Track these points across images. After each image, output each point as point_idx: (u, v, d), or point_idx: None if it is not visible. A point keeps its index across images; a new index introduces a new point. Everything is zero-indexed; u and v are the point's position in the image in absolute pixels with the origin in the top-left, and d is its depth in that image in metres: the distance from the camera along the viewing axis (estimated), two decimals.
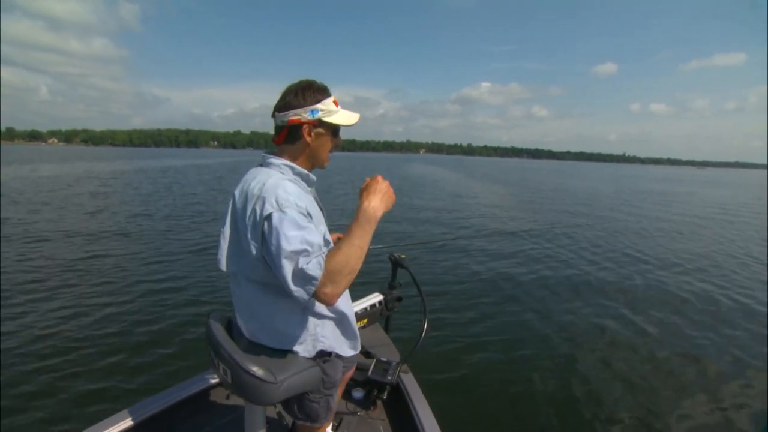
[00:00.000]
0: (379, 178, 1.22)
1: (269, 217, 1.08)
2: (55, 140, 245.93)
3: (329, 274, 1.03)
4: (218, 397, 2.01)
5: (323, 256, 1.05)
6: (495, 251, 7.63)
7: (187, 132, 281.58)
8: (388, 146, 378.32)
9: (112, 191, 14.86)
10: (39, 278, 5.18)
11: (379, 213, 1.16)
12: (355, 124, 1.30)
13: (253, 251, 1.13)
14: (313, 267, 1.02)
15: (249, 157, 73.24)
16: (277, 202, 1.09)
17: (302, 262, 1.02)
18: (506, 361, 3.71)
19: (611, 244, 8.56)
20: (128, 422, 1.65)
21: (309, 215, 1.13)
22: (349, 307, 1.37)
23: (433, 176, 31.92)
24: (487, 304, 5.00)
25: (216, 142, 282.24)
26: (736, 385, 3.38)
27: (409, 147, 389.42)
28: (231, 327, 1.37)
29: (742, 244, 9.33)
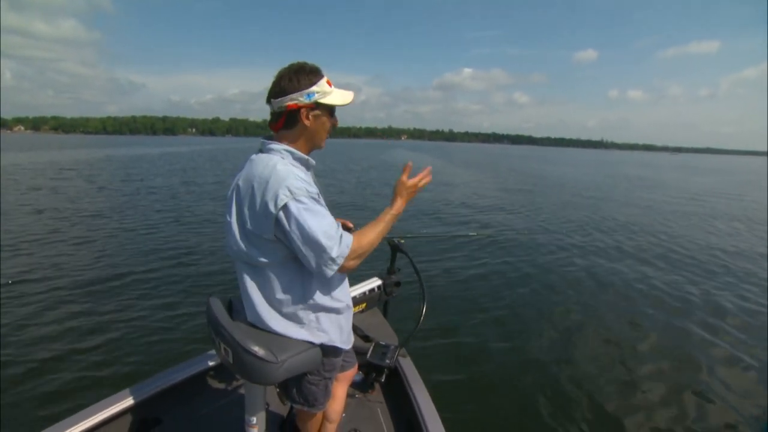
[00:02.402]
0: (412, 182, 1.34)
1: (285, 206, 1.11)
2: (22, 128, 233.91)
3: (355, 252, 1.19)
4: (217, 378, 2.04)
5: (345, 238, 1.18)
6: (493, 238, 7.57)
7: (164, 119, 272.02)
8: (370, 132, 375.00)
9: (97, 176, 14.18)
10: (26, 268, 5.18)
11: (402, 210, 1.33)
12: (351, 102, 1.30)
13: (267, 235, 1.16)
14: (342, 252, 1.16)
15: (229, 144, 71.60)
16: (290, 191, 1.11)
17: (330, 250, 1.13)
18: (503, 345, 3.74)
19: (612, 231, 8.53)
20: (127, 403, 1.67)
21: (320, 198, 1.19)
22: (349, 300, 1.39)
23: (418, 163, 31.53)
24: (485, 290, 5.02)
25: (194, 130, 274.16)
26: (736, 384, 3.32)
27: (390, 133, 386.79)
28: (231, 308, 1.38)
29: (743, 238, 9.25)
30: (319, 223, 1.13)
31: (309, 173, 1.30)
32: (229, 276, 5.01)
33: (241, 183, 1.21)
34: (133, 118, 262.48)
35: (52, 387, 2.86)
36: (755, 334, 4.22)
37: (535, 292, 5.06)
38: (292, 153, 1.24)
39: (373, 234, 1.25)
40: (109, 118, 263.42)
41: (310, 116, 1.23)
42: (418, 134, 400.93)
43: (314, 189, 1.18)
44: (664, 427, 2.81)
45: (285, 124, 1.25)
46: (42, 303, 4.14)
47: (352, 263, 1.20)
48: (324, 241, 1.12)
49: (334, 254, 1.14)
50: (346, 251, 1.17)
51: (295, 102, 1.20)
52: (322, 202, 1.22)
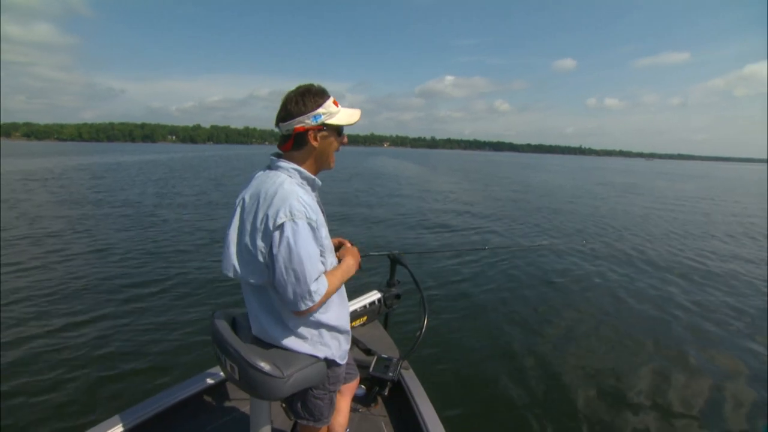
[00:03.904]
0: (352, 251, 1.44)
1: (282, 226, 1.12)
2: None
3: (327, 294, 1.23)
4: (221, 395, 2.05)
5: (322, 278, 1.20)
6: (492, 249, 7.40)
7: (143, 126, 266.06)
8: (352, 140, 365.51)
9: (67, 187, 13.18)
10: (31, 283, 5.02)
11: (352, 271, 1.39)
12: (358, 121, 1.32)
13: (260, 256, 1.17)
14: (321, 289, 1.18)
15: (210, 152, 70.11)
16: (290, 212, 1.12)
17: (311, 282, 1.15)
18: (506, 356, 3.73)
19: (613, 240, 8.24)
20: (131, 422, 1.68)
21: (317, 226, 1.20)
22: (348, 319, 1.42)
23: (404, 172, 31.15)
24: (484, 302, 4.97)
25: (174, 137, 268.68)
26: (736, 384, 3.32)
27: (373, 140, 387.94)
28: (235, 325, 1.39)
29: (741, 235, 9.26)
30: (309, 252, 1.14)
31: (314, 194, 1.31)
32: (225, 292, 4.94)
33: (247, 198, 1.23)
34: (111, 125, 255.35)
35: (52, 411, 2.74)
36: (755, 335, 4.19)
37: (536, 302, 5.04)
38: (300, 172, 1.26)
39: (337, 281, 1.29)
40: (85, 124, 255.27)
41: (318, 137, 1.25)
42: (400, 141, 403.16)
43: (315, 215, 1.19)
44: (665, 427, 2.80)
45: (294, 145, 1.26)
46: (34, 325, 3.92)
47: (319, 303, 1.20)
48: (308, 271, 1.13)
49: (313, 288, 1.15)
50: (323, 290, 1.19)
51: (303, 125, 1.22)
52: (322, 229, 1.24)
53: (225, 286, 5.09)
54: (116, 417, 1.67)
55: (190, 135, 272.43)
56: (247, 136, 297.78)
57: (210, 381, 1.98)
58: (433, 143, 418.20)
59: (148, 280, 5.27)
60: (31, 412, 2.72)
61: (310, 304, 1.16)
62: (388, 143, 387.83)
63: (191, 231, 8.22)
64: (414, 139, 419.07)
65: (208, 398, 2.00)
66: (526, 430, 2.81)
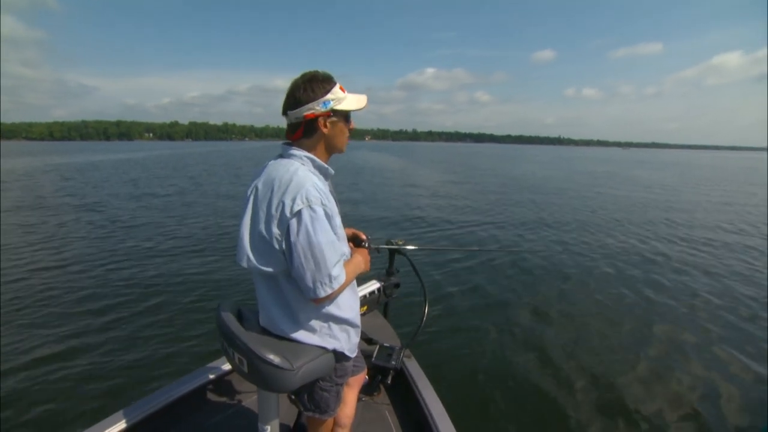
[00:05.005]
0: (362, 251, 1.42)
1: (299, 213, 1.11)
2: None
3: (345, 283, 1.23)
4: (226, 387, 2.05)
5: (340, 265, 1.20)
6: (492, 239, 7.46)
7: (118, 123, 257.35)
8: None
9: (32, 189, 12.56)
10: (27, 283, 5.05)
11: (362, 268, 1.37)
12: (366, 106, 1.32)
13: (276, 243, 1.16)
14: (341, 276, 1.18)
15: (189, 149, 68.57)
16: (307, 198, 1.12)
17: (331, 267, 1.15)
18: (506, 342, 3.75)
19: (611, 230, 8.26)
20: (138, 416, 1.68)
21: (331, 213, 1.19)
22: (358, 312, 1.40)
23: (386, 164, 30.94)
24: (484, 289, 5.00)
25: (151, 134, 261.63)
26: (736, 383, 3.26)
27: (354, 134, 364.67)
28: (241, 316, 1.38)
29: (738, 226, 9.29)
30: (329, 238, 1.15)
31: (327, 183, 1.30)
32: (226, 284, 4.99)
33: (260, 186, 1.21)
34: (84, 123, 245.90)
35: (55, 411, 2.75)
36: (754, 334, 4.10)
37: (535, 290, 5.08)
38: (312, 160, 1.26)
39: (351, 274, 1.29)
40: (56, 122, 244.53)
41: (327, 123, 1.24)
42: (381, 134, 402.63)
43: (330, 203, 1.20)
44: (664, 426, 2.76)
45: (304, 133, 1.25)
46: (33, 324, 3.93)
47: (338, 291, 1.21)
48: (328, 256, 1.13)
49: (334, 273, 1.15)
50: (343, 277, 1.20)
51: (312, 111, 1.21)
52: (335, 218, 1.22)
53: (225, 279, 5.15)
54: (122, 411, 1.66)
55: (168, 132, 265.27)
56: (226, 132, 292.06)
57: (215, 373, 1.97)
58: (414, 136, 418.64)
59: (147, 277, 5.25)
60: (28, 412, 2.72)
61: (329, 290, 1.15)
62: (369, 137, 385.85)
63: (187, 229, 8.15)
64: (395, 132, 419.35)
65: (213, 390, 1.99)
66: (528, 413, 2.83)
